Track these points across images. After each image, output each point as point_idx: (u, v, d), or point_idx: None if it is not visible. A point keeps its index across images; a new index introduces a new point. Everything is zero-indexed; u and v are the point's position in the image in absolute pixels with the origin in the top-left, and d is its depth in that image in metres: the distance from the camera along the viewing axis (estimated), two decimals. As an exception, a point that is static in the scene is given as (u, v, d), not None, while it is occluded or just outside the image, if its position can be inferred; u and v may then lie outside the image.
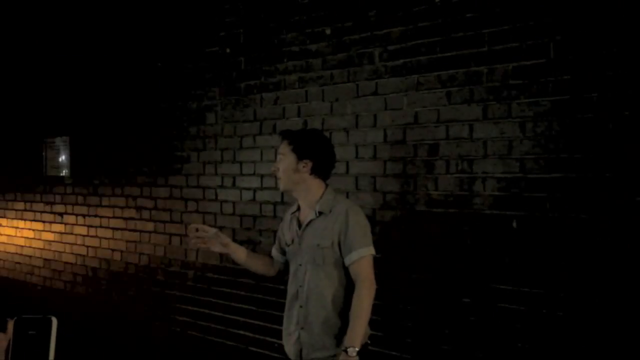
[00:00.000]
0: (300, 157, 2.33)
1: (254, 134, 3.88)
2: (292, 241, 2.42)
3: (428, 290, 3.00)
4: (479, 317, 2.82)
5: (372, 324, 2.40)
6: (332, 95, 3.43)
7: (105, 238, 4.99)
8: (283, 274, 2.58)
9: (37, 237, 5.71)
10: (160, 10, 4.50)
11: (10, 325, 0.84)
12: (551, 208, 2.61)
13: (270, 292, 3.69)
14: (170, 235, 4.45)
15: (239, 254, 2.50)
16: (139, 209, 4.69)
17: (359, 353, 2.14)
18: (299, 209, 2.45)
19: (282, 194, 3.57)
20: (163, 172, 4.49)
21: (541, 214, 2.63)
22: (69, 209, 5.34)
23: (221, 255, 3.88)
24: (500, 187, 2.77)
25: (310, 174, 2.35)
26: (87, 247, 5.17)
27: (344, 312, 2.27)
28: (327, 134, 3.11)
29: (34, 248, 5.74)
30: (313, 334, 2.31)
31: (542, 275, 2.63)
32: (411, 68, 3.07)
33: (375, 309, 2.32)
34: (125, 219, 4.81)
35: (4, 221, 6.10)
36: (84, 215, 5.20)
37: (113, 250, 4.92)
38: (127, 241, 4.79)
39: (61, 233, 5.42)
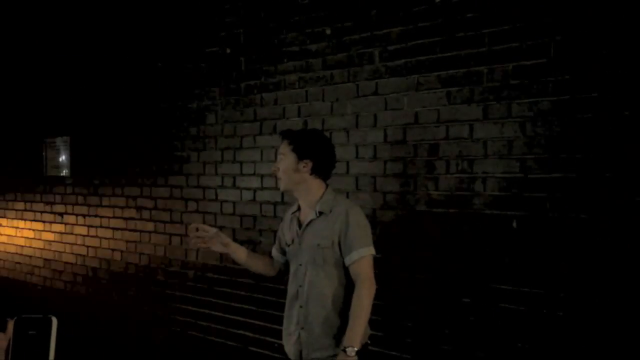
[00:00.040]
0: (300, 157, 2.33)
1: (254, 134, 3.88)
2: (293, 241, 2.42)
3: (428, 290, 3.00)
4: (479, 317, 2.82)
5: (372, 324, 2.40)
6: (332, 95, 3.43)
7: (106, 238, 4.99)
8: (283, 274, 2.58)
9: (37, 237, 5.71)
10: (160, 10, 4.51)
11: (10, 325, 0.84)
12: (551, 208, 2.61)
13: (270, 292, 3.69)
14: (171, 235, 4.45)
15: (239, 253, 2.50)
16: (139, 209, 4.69)
17: (359, 353, 2.14)
18: (299, 209, 2.45)
19: (282, 194, 3.57)
20: (163, 172, 4.49)
21: (541, 214, 2.63)
22: (69, 209, 5.34)
23: (221, 255, 3.89)
24: (500, 187, 2.77)
25: (311, 174, 2.34)
26: (87, 247, 5.17)
27: (344, 312, 2.27)
28: (327, 134, 3.10)
29: (34, 248, 5.74)
30: (313, 334, 2.31)
31: (542, 275, 2.63)
32: (411, 68, 3.08)
33: (375, 309, 2.32)
34: (125, 219, 4.81)
35: (4, 221, 6.10)
36: (84, 215, 5.20)
37: (113, 250, 4.92)
38: (127, 241, 4.80)
39: (61, 233, 5.43)
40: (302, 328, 2.33)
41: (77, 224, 5.27)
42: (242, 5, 3.95)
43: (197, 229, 2.42)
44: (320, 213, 2.33)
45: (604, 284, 2.46)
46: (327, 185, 2.40)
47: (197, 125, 4.24)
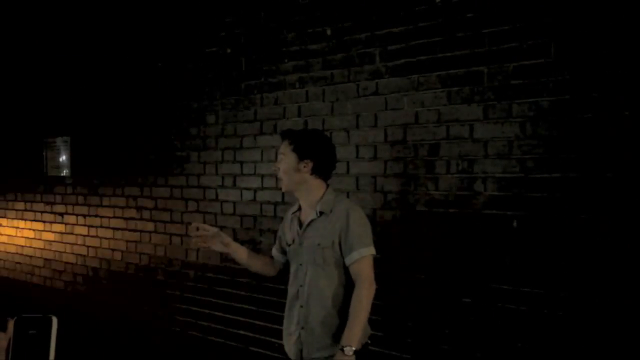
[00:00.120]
0: (301, 157, 2.33)
1: (254, 134, 3.88)
2: (293, 241, 2.42)
3: (428, 290, 3.00)
4: (479, 317, 2.82)
5: (372, 324, 2.40)
6: (333, 95, 3.44)
7: (106, 238, 4.99)
8: (283, 273, 2.58)
9: (37, 237, 5.71)
10: (160, 10, 4.51)
11: (11, 324, 0.84)
12: (551, 208, 2.61)
13: (270, 292, 3.70)
14: (171, 235, 4.45)
15: (240, 253, 2.50)
16: (139, 209, 4.70)
17: (359, 353, 2.14)
18: (300, 209, 2.45)
19: (283, 194, 3.57)
20: (163, 172, 4.49)
21: (541, 214, 2.63)
22: (70, 209, 5.35)
23: (222, 255, 3.89)
24: (500, 187, 2.77)
25: (311, 174, 2.34)
26: (88, 247, 5.17)
27: (344, 312, 2.27)
28: (327, 134, 3.10)
29: (34, 248, 5.74)
30: (314, 334, 2.31)
31: (542, 275, 2.63)
32: (411, 68, 3.08)
33: (375, 309, 2.32)
34: (125, 219, 4.81)
35: (4, 221, 6.11)
36: (84, 215, 5.20)
37: (113, 250, 4.92)
38: (128, 241, 4.80)
39: (61, 233, 5.43)
40: (303, 328, 2.34)
41: (77, 224, 5.27)
42: (242, 5, 3.95)
43: (197, 229, 2.42)
44: (321, 213, 2.33)
45: (605, 284, 2.46)
46: (327, 185, 2.40)
47: (198, 125, 4.24)
